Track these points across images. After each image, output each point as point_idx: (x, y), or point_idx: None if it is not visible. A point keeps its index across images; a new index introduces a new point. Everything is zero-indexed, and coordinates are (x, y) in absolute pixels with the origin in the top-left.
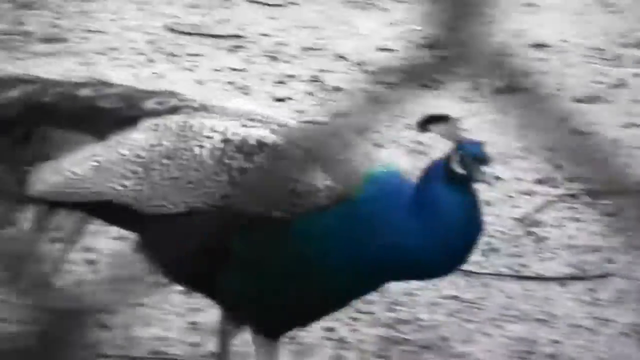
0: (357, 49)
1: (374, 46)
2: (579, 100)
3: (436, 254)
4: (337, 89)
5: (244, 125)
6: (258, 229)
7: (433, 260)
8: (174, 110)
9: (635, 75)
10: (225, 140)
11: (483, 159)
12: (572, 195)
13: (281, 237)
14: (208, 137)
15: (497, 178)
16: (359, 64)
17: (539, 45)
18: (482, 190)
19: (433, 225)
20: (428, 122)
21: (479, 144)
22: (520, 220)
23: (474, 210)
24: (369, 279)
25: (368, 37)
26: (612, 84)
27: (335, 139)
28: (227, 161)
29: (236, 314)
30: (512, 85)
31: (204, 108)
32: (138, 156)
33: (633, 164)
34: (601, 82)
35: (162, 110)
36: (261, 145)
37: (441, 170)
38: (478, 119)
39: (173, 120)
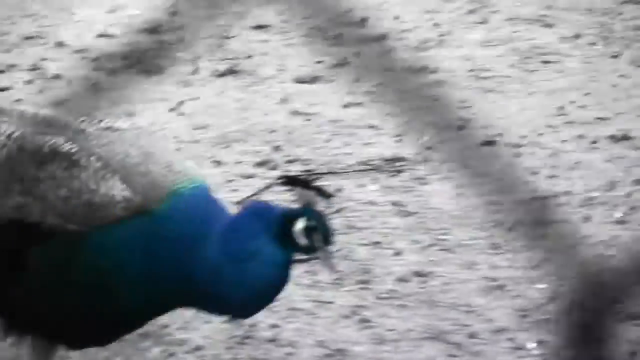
0: (78, 36)
1: (95, 33)
2: (301, 81)
3: (234, 298)
4: (57, 77)
5: (40, 132)
6: (54, 241)
7: (227, 302)
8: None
9: (356, 54)
10: (19, 148)
11: (329, 239)
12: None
13: (76, 249)
14: (3, 144)
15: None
16: (79, 51)
17: (260, 27)
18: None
19: (242, 273)
20: (294, 184)
21: (329, 224)
22: (239, 204)
23: (287, 272)
24: (161, 299)
25: (88, 23)
26: (333, 64)
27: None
28: (19, 169)
29: (25, 327)
30: (232, 69)
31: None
32: None
33: (353, 143)
34: (322, 62)
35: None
36: (54, 154)
37: (275, 222)
38: (198, 103)
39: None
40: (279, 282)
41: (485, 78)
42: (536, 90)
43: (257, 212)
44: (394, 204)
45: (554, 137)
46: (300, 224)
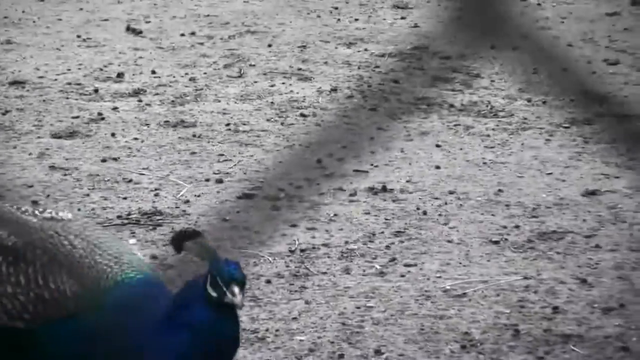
0: None
1: None
2: (58, 136)
3: None
4: None
5: None
6: (2, 338)
7: None
8: None
9: (114, 109)
10: None
11: (234, 279)
12: None
13: (23, 345)
14: None
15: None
16: None
17: (18, 83)
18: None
19: (184, 350)
20: (180, 240)
21: (231, 264)
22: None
23: (231, 334)
24: None
25: None
26: (90, 118)
27: None
28: None
29: None
30: None
31: None
32: None
33: (111, 197)
34: (79, 117)
35: None
36: (1, 246)
37: (199, 290)
38: None
39: None
40: (221, 347)
41: (243, 132)
42: (294, 144)
43: (188, 289)
44: (154, 257)
45: (312, 190)
46: (208, 279)
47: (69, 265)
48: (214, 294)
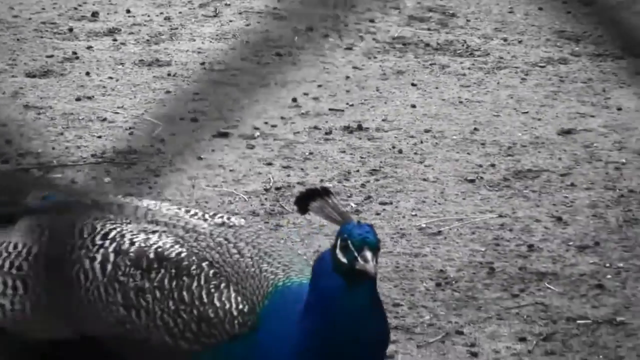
0: None
1: None
2: (32, 75)
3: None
4: None
5: (144, 231)
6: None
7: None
8: (62, 208)
9: (88, 48)
10: (118, 252)
11: (366, 243)
12: None
13: None
14: (99, 247)
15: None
16: None
17: None
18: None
19: (321, 331)
20: (307, 199)
21: (364, 226)
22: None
23: (364, 307)
24: None
25: None
26: (64, 57)
27: None
28: (121, 279)
29: None
30: None
31: (99, 206)
32: (18, 268)
33: (85, 136)
34: (53, 56)
35: (47, 208)
36: (161, 260)
37: (328, 259)
38: None
39: (59, 223)
40: (359, 322)
41: (218, 70)
42: (269, 82)
43: (319, 260)
44: (128, 195)
45: (288, 129)
46: (337, 244)
47: (235, 279)
48: (343, 260)
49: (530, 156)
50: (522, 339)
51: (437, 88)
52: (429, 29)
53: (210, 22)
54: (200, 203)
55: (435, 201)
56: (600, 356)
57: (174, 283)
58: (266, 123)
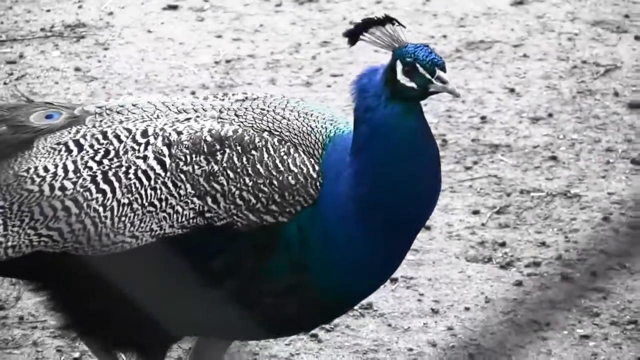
0: None
1: None
2: None
3: (382, 204)
4: None
5: (178, 121)
6: (250, 238)
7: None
8: (72, 121)
9: None
10: (170, 144)
11: (436, 64)
12: None
13: (274, 241)
14: (144, 145)
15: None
16: None
17: None
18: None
19: (377, 166)
20: (360, 30)
21: (424, 48)
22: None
23: (425, 137)
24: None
25: None
26: None
27: None
28: (186, 168)
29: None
30: None
31: (108, 111)
32: (62, 189)
33: (34, 9)
34: None
35: (59, 125)
36: (221, 140)
37: (378, 86)
38: None
39: (84, 134)
40: (418, 151)
41: None
42: None
43: (362, 90)
44: (77, 69)
45: (237, 1)
46: (399, 69)
47: (298, 141)
48: (411, 85)
49: (483, 27)
50: (476, 212)
51: None
52: None
53: None
54: (149, 76)
55: None
56: (555, 229)
57: (244, 159)
58: None
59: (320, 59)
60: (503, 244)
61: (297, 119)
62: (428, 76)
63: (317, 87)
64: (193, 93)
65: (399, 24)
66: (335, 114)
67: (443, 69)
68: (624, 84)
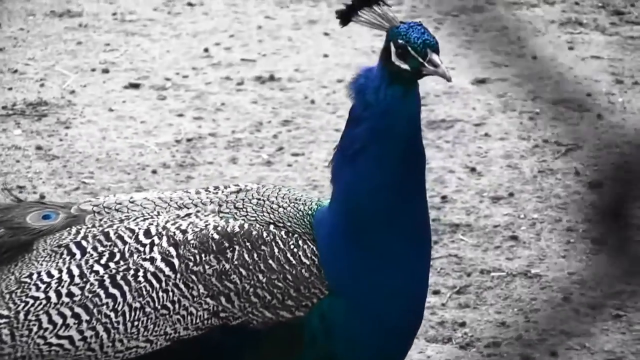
0: None
1: None
2: None
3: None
4: None
5: (180, 217)
6: (269, 336)
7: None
8: (71, 221)
9: None
10: (177, 244)
11: (428, 46)
12: None
13: (297, 336)
14: (149, 246)
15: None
16: None
17: None
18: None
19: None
20: (350, 12)
21: (416, 27)
22: None
23: (417, 117)
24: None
25: None
26: None
27: None
28: (196, 269)
29: None
30: None
31: (106, 209)
32: (69, 295)
33: None
34: None
35: (59, 225)
36: (229, 237)
37: (377, 80)
38: None
39: (85, 235)
40: (405, 113)
41: (129, 21)
42: (181, 33)
43: (362, 76)
44: (38, 148)
45: (199, 79)
46: (393, 51)
47: (301, 230)
48: (404, 67)
49: (444, 106)
50: (436, 292)
51: (349, 37)
52: None
53: None
54: (110, 155)
55: None
56: (515, 309)
57: (254, 255)
58: (177, 74)
59: (282, 138)
60: (463, 324)
61: (290, 207)
62: (420, 59)
63: (278, 166)
64: (154, 172)
65: (385, 3)
66: (310, 196)
67: (436, 50)
68: (585, 163)
